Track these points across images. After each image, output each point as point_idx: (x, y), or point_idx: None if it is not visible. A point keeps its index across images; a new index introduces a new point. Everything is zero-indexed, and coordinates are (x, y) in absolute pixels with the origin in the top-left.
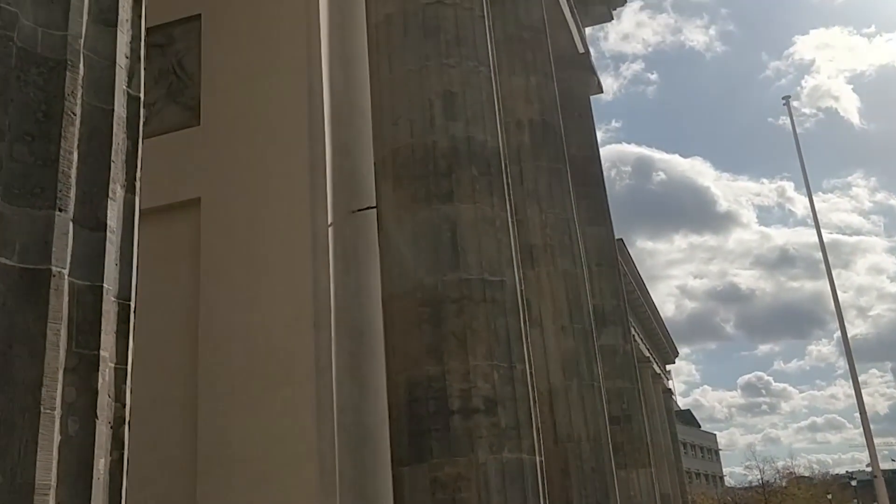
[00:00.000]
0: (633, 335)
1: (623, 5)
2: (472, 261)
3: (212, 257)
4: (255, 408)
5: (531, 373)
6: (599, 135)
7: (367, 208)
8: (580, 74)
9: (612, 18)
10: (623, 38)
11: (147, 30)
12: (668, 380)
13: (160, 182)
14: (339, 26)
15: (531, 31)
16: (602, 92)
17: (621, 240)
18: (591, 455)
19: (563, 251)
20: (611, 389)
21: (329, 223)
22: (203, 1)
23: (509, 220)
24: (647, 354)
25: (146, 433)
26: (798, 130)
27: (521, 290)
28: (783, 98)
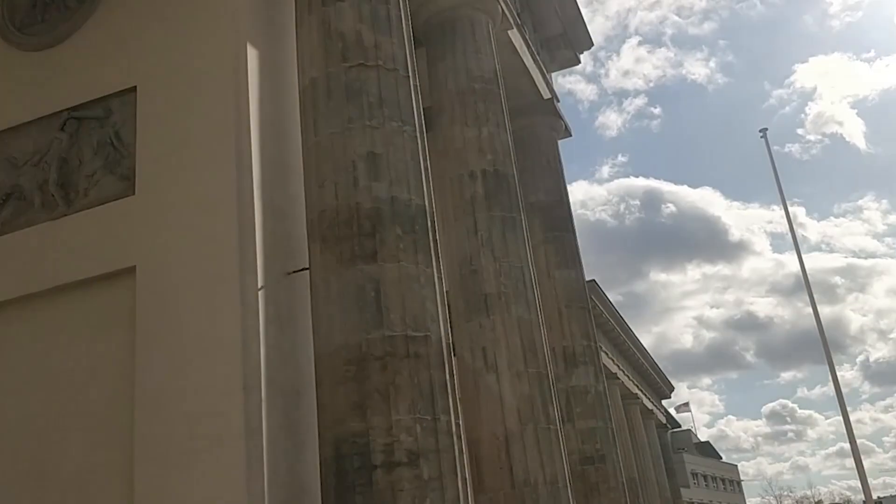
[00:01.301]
0: (619, 372)
1: (590, 48)
2: (395, 318)
3: (147, 324)
4: (189, 470)
5: (458, 423)
6: (605, 170)
7: (301, 270)
8: (546, 120)
9: (580, 62)
10: (624, 74)
11: (86, 103)
12: (661, 413)
13: (97, 252)
14: (273, 91)
15: (482, 82)
16: (570, 136)
17: (593, 281)
18: (548, 498)
19: (518, 298)
20: (583, 430)
21: (259, 286)
22: (139, 73)
23: (435, 275)
24: (636, 391)
25: (84, 499)
26: (804, 157)
27: (450, 343)
28: (760, 131)
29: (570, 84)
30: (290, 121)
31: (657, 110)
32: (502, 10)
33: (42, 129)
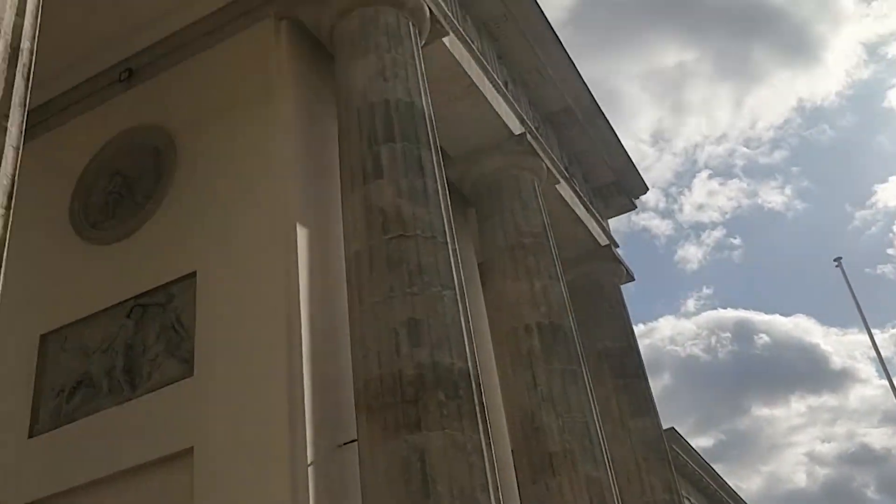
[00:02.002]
0: None
1: (645, 193)
2: (442, 490)
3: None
4: None
5: None
6: (691, 303)
7: (350, 442)
8: (605, 266)
9: (636, 207)
10: (698, 208)
11: (150, 290)
12: None
13: (158, 434)
14: (322, 265)
15: (531, 236)
16: (633, 280)
17: (672, 428)
18: None
19: (585, 455)
20: None
21: (309, 461)
22: (198, 259)
23: (482, 441)
24: None
25: None
26: None
27: None
28: (835, 260)
29: (645, 221)
30: (339, 292)
31: (737, 241)
32: (546, 167)
33: (111, 318)
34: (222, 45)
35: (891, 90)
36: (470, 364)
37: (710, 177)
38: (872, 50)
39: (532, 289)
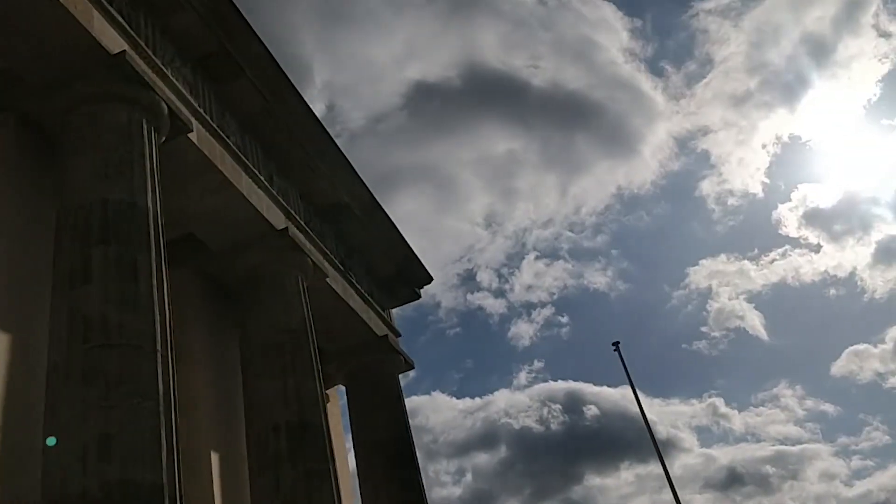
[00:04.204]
0: None
1: (429, 283)
2: None
3: None
4: None
5: None
6: (523, 376)
7: None
8: (383, 356)
9: (419, 297)
10: (527, 288)
11: None
12: None
13: None
14: (23, 375)
15: (289, 333)
16: (412, 368)
17: None
18: None
19: None
20: None
21: None
22: None
23: None
24: None
25: None
26: (713, 352)
27: None
28: (613, 344)
29: (479, 300)
30: (39, 408)
31: (565, 318)
32: (313, 262)
33: None
34: None
35: (702, 181)
36: (166, 479)
37: (537, 258)
38: (683, 143)
39: (285, 387)
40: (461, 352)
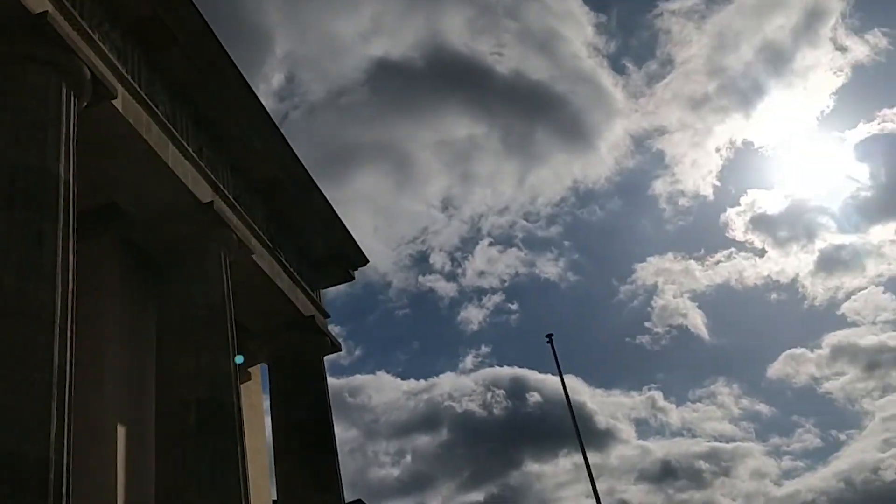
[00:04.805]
0: None
1: (364, 265)
2: None
3: None
4: None
5: None
6: (469, 360)
7: None
8: (308, 337)
9: (353, 278)
10: (479, 274)
11: None
12: None
13: None
14: None
15: (207, 308)
16: (340, 350)
17: (359, 500)
18: None
19: None
20: None
21: None
22: None
23: None
24: None
25: None
26: (655, 347)
27: None
28: (546, 336)
29: (431, 283)
30: None
31: (514, 306)
32: (238, 238)
33: None
34: None
35: (656, 180)
36: (52, 452)
37: (491, 244)
38: (639, 142)
39: (198, 364)
40: (409, 333)
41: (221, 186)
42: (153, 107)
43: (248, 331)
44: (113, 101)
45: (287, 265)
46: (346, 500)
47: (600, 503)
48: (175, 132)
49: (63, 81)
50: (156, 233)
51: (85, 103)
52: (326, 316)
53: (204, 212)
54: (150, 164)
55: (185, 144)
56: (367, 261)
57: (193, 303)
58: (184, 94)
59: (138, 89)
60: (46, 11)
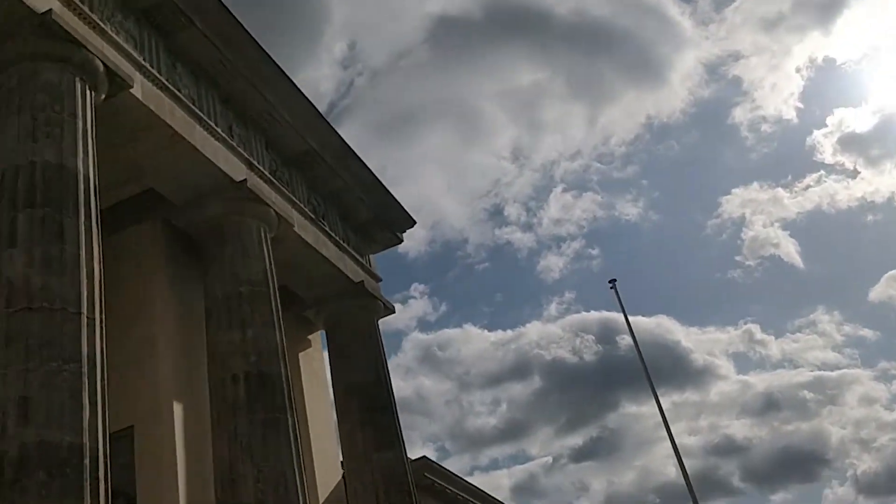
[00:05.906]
0: None
1: (412, 227)
2: None
3: None
4: None
5: None
6: (553, 307)
7: None
8: (359, 302)
9: (402, 240)
10: (555, 222)
11: None
12: None
13: None
14: None
15: (250, 284)
16: (393, 312)
17: (424, 457)
18: None
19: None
20: None
21: None
22: None
23: None
24: None
25: None
26: (748, 281)
27: None
28: (610, 282)
29: (507, 235)
30: None
31: (595, 251)
32: (276, 213)
33: None
34: None
35: (734, 108)
36: (87, 440)
37: (564, 191)
38: (713, 70)
39: (244, 338)
40: (490, 286)
41: (256, 163)
42: (176, 91)
43: (303, 300)
44: (132, 91)
45: (332, 234)
46: (414, 457)
47: (674, 442)
48: (201, 114)
49: (76, 76)
50: (194, 214)
51: (103, 95)
52: (378, 280)
53: (238, 189)
54: (177, 148)
55: (214, 125)
56: (415, 222)
57: (236, 280)
58: (207, 76)
59: (158, 76)
60: (51, 9)
